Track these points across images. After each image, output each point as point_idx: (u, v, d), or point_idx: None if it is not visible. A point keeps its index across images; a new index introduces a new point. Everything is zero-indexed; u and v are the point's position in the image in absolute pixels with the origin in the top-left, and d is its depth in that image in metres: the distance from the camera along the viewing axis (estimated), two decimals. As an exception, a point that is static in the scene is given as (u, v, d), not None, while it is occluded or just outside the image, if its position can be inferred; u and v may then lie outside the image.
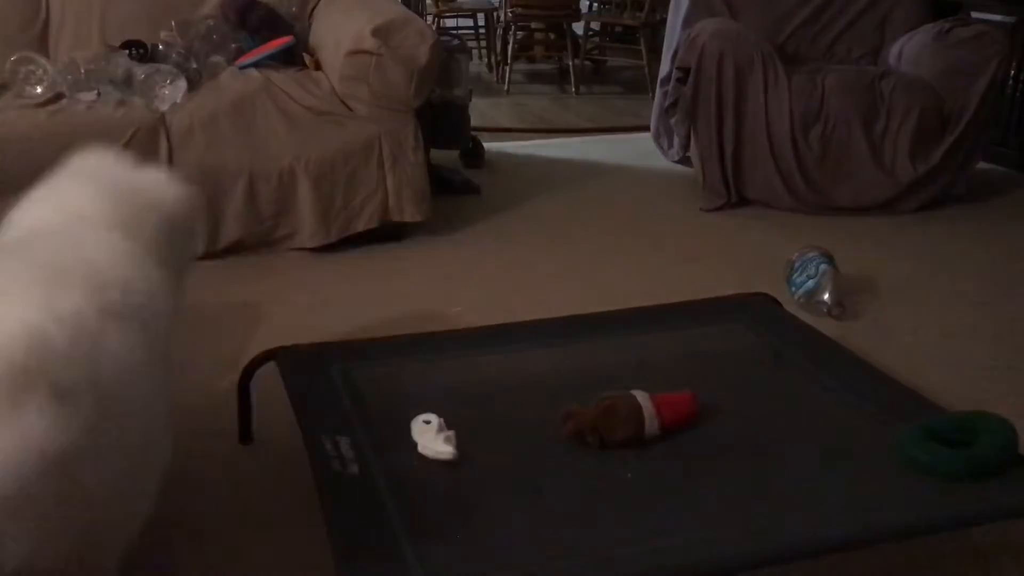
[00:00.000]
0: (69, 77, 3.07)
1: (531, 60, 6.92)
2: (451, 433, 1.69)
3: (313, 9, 3.63)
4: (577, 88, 6.03)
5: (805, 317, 2.46)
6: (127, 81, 3.11)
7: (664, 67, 4.10)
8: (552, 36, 6.65)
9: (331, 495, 1.53)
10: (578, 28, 6.43)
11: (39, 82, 3.08)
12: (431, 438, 1.68)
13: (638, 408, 1.70)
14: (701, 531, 1.50)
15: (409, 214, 3.19)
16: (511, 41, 6.11)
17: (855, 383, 1.98)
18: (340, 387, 1.89)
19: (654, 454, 1.69)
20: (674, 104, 3.84)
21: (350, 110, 3.12)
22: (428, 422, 1.72)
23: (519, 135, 4.88)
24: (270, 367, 1.98)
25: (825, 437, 1.78)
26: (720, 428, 1.78)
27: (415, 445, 1.68)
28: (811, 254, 2.83)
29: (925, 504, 1.54)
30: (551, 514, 1.54)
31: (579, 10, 6.42)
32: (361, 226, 3.15)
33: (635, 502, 1.57)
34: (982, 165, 4.02)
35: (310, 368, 1.95)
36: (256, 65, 3.26)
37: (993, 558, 1.74)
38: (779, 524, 1.52)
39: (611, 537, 1.48)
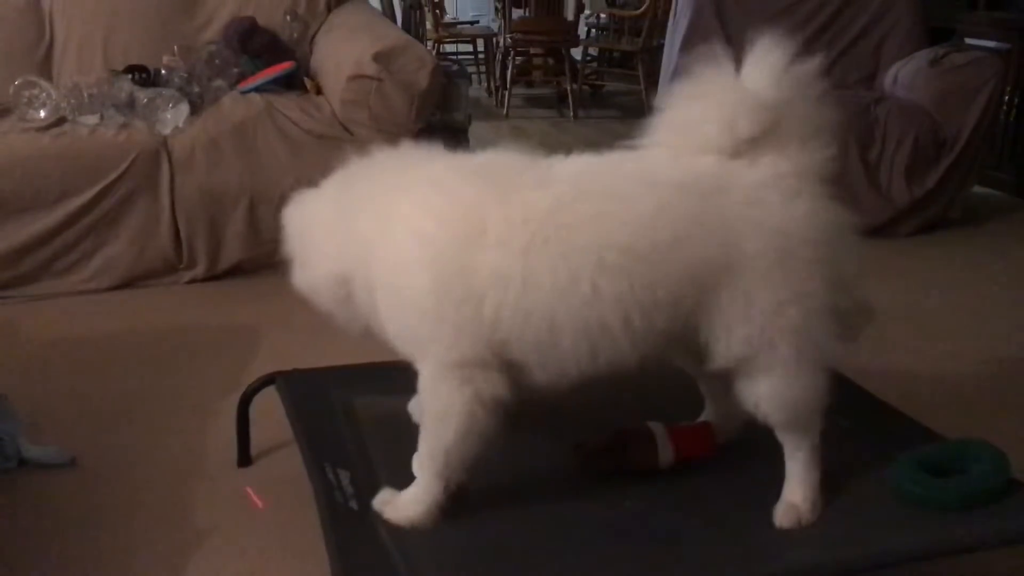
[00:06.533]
0: (72, 101, 3.10)
1: (530, 85, 6.97)
2: None
3: (314, 34, 3.67)
4: (575, 112, 6.07)
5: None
6: (130, 105, 3.14)
7: (661, 92, 4.13)
8: (551, 61, 6.71)
9: (333, 525, 1.53)
10: (576, 53, 6.49)
11: (42, 106, 3.11)
12: None
13: (651, 437, 1.69)
14: (697, 559, 1.50)
15: (408, 237, 3.20)
16: (510, 66, 6.16)
17: (850, 409, 1.98)
18: (340, 416, 1.87)
19: (657, 482, 1.69)
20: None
21: (351, 134, 3.14)
22: None
23: (518, 159, 4.90)
24: (269, 390, 1.99)
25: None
26: (715, 456, 1.78)
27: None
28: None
29: (917, 532, 1.54)
30: (555, 546, 1.52)
31: (577, 36, 6.49)
32: (361, 249, 3.16)
33: (635, 534, 1.57)
34: (977, 189, 4.05)
35: (310, 394, 1.94)
36: (258, 89, 3.30)
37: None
38: (775, 553, 1.52)
39: (620, 570, 1.48)
